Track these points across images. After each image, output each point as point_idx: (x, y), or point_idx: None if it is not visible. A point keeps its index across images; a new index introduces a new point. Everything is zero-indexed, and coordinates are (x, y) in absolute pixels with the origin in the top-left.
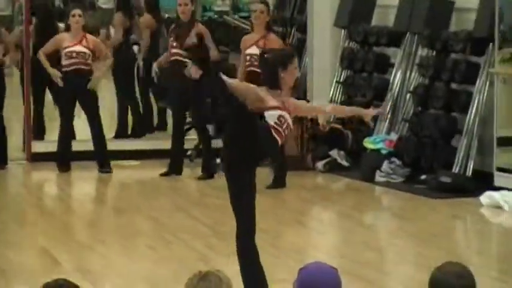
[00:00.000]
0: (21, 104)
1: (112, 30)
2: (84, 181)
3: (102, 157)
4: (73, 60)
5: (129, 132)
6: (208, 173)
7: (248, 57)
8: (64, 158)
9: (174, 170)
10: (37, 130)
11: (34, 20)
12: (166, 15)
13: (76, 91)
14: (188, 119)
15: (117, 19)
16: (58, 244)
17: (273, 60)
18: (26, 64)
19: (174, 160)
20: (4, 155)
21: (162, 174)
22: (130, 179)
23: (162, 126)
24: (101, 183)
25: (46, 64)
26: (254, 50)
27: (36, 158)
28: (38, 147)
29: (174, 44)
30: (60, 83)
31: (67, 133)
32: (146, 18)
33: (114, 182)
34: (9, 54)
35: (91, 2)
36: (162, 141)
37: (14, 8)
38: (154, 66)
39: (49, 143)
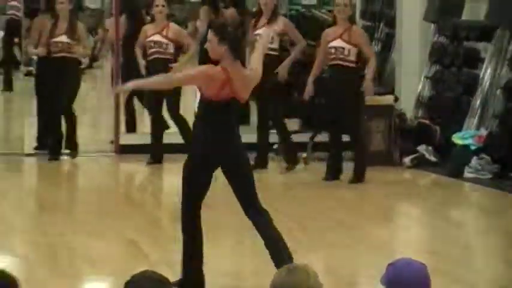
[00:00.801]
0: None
1: (199, 23)
2: (173, 174)
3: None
4: (152, 50)
5: None
6: (290, 162)
7: (333, 50)
8: (156, 151)
9: (260, 163)
10: (128, 123)
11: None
12: (254, 9)
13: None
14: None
15: (203, 13)
16: (145, 236)
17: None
18: (115, 56)
19: (260, 153)
20: (58, 148)
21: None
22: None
23: (245, 120)
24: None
25: (139, 58)
26: (339, 43)
27: (125, 150)
28: (126, 139)
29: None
30: (143, 71)
31: (159, 125)
32: (231, 12)
33: None
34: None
35: None
36: (247, 135)
37: (104, 1)
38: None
39: (137, 136)
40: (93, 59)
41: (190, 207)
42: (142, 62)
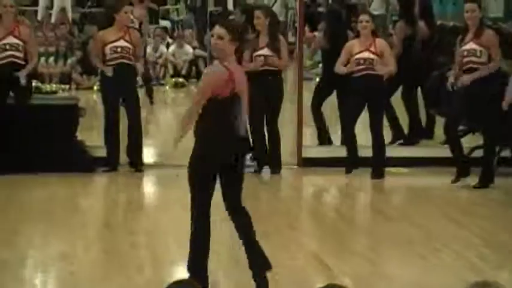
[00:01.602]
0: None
1: (394, 38)
2: (355, 187)
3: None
4: (360, 67)
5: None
6: (483, 182)
7: (465, 53)
8: (353, 160)
9: (461, 175)
10: (320, 134)
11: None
12: (439, 22)
13: (366, 97)
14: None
15: (398, 27)
16: (328, 249)
17: None
18: (299, 71)
19: (460, 166)
20: (116, 159)
21: (474, 187)
22: (400, 187)
23: (429, 134)
24: (374, 190)
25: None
26: (471, 46)
27: (308, 163)
28: (310, 152)
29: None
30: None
31: (351, 138)
32: (419, 26)
33: (385, 189)
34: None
35: (363, 8)
36: (431, 149)
37: (288, 14)
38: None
39: (321, 148)
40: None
41: (206, 208)
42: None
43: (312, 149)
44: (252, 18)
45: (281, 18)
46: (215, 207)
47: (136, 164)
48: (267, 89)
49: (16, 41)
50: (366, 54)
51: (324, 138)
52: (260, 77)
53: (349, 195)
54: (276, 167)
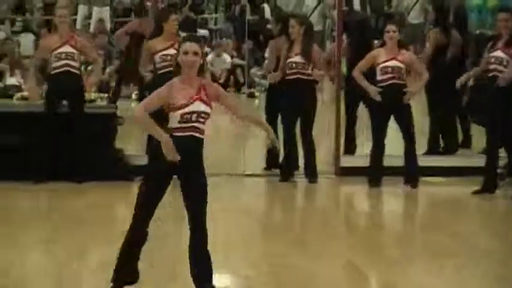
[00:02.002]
0: (333, 118)
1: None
2: (391, 196)
3: (411, 172)
4: (388, 75)
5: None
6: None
7: (493, 59)
8: (376, 174)
9: (488, 187)
10: (347, 145)
11: (346, 36)
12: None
13: (392, 106)
14: None
15: (432, 35)
16: (365, 259)
17: None
18: (337, 80)
19: (488, 177)
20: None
21: (474, 192)
22: (437, 196)
23: (466, 143)
24: (408, 200)
25: (362, 81)
26: (498, 54)
27: (345, 173)
28: (347, 161)
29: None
30: (378, 98)
31: (380, 149)
32: (453, 34)
33: (421, 199)
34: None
35: (401, 18)
36: (469, 159)
37: (326, 23)
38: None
39: (358, 158)
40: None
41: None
42: (375, 90)
43: (350, 158)
44: (287, 27)
45: (319, 27)
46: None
47: None
48: (300, 97)
49: (72, 50)
50: (393, 63)
51: (349, 148)
52: (293, 85)
53: (386, 204)
54: (312, 176)
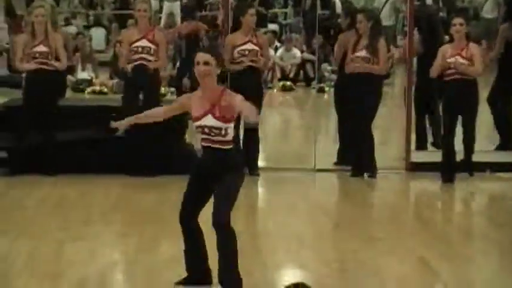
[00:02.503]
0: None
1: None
2: (463, 192)
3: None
4: (451, 71)
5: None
6: None
7: None
8: (444, 168)
9: None
10: (418, 140)
11: (417, 31)
12: None
13: (458, 102)
14: None
15: (501, 30)
16: (437, 255)
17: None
18: (408, 75)
19: None
20: (360, 165)
21: None
22: (508, 192)
23: None
24: (479, 194)
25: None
26: None
27: (416, 168)
28: (417, 156)
29: None
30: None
31: (451, 144)
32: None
33: (494, 194)
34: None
35: (475, 12)
36: None
37: (398, 18)
38: None
39: (429, 153)
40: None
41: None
42: None
43: (420, 154)
44: (356, 22)
45: (390, 21)
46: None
47: (252, 168)
48: (363, 92)
49: (149, 44)
50: (455, 59)
51: (423, 143)
52: (356, 80)
53: (457, 199)
54: (372, 170)
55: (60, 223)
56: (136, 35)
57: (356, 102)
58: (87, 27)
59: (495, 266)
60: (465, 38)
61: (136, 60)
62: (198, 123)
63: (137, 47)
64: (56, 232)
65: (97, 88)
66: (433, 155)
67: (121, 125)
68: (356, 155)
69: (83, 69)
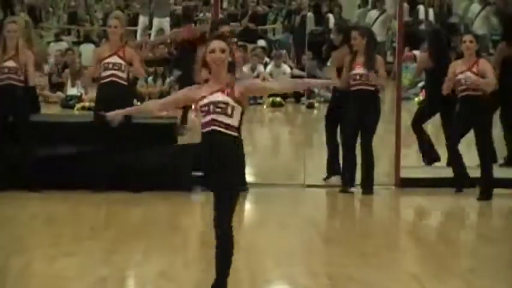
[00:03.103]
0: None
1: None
2: (454, 208)
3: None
4: (462, 87)
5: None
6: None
7: None
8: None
9: None
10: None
11: (423, 45)
12: None
13: (468, 118)
14: None
15: (499, 47)
16: (428, 271)
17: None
18: (397, 91)
19: None
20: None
21: None
22: (507, 208)
23: None
24: (474, 211)
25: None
26: None
27: (405, 184)
28: (406, 172)
29: None
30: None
31: (459, 157)
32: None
33: (487, 211)
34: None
35: (466, 28)
36: None
37: (388, 34)
38: None
39: (418, 169)
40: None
41: (231, 221)
42: None
43: (409, 170)
44: (349, 38)
45: (381, 37)
46: None
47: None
48: (362, 108)
49: (119, 60)
50: (467, 74)
51: (429, 156)
52: (356, 96)
53: (449, 215)
54: (368, 187)
55: (51, 239)
56: (107, 51)
57: (355, 119)
58: (77, 43)
59: (487, 284)
60: (475, 55)
61: (107, 77)
62: (204, 101)
63: (108, 63)
64: (47, 248)
65: (86, 104)
66: (421, 171)
67: (115, 115)
68: (343, 171)
69: (73, 86)
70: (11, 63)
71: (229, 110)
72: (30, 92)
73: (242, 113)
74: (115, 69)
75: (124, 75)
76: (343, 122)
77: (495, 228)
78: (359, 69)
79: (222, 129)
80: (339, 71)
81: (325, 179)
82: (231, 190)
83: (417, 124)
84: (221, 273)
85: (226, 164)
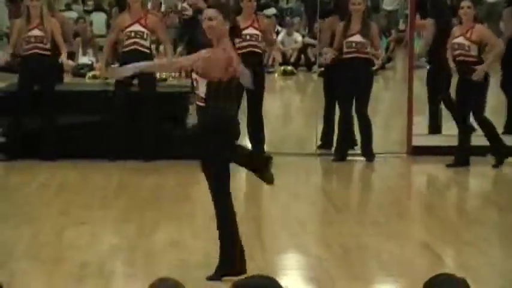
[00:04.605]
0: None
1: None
2: (465, 176)
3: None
4: (456, 52)
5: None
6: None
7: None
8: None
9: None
10: (432, 125)
11: (418, 16)
12: None
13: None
14: None
15: (507, 13)
16: (439, 240)
17: None
18: (409, 60)
19: None
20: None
21: None
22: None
23: None
24: (487, 179)
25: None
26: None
27: (417, 152)
28: (419, 140)
29: None
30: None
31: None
32: None
33: (500, 179)
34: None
35: None
36: None
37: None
38: None
39: (430, 137)
40: (387, 60)
41: (227, 188)
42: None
43: (421, 138)
44: (340, 5)
45: (394, 6)
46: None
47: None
48: (356, 76)
49: (142, 29)
50: (460, 40)
51: (435, 126)
52: (350, 64)
53: (461, 184)
54: (369, 155)
55: (61, 208)
56: (128, 20)
57: (351, 86)
58: (88, 11)
59: (498, 251)
60: (472, 20)
61: (129, 45)
62: None
63: (130, 31)
64: (57, 217)
65: (98, 73)
66: (434, 139)
67: (122, 70)
68: (339, 139)
69: (84, 54)
70: (36, 32)
71: (195, 82)
72: (54, 60)
73: (209, 84)
74: (137, 38)
75: (147, 43)
76: (337, 91)
77: (508, 196)
78: (355, 37)
79: (198, 102)
80: (333, 37)
81: (319, 147)
82: (204, 159)
83: (430, 92)
84: (222, 242)
85: (199, 134)
